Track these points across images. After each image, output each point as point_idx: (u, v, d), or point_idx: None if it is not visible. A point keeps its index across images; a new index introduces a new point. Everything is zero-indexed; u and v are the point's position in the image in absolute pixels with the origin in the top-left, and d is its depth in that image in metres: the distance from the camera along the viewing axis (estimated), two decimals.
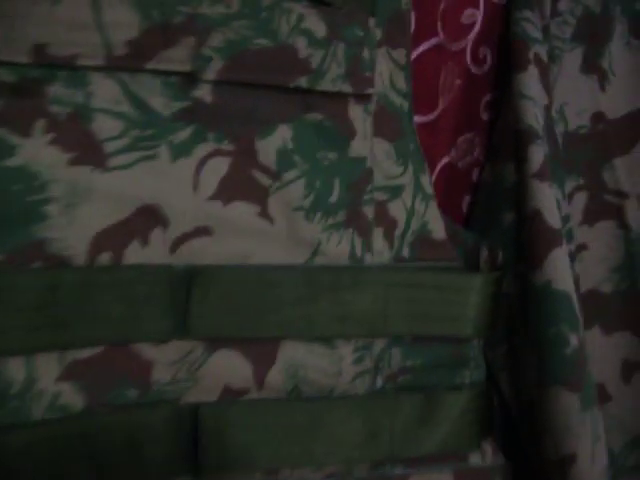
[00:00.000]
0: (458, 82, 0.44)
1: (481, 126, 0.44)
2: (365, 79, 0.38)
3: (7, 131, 0.32)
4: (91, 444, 0.32)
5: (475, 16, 0.44)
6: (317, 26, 0.37)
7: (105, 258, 0.32)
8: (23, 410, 0.31)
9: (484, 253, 0.40)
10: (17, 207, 0.32)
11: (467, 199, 0.43)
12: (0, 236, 0.31)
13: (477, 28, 0.44)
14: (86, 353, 0.32)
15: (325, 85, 0.37)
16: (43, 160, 0.32)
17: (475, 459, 0.39)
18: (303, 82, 0.36)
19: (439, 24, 0.43)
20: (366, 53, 0.38)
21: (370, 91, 0.38)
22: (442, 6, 0.43)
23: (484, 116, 0.44)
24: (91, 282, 0.32)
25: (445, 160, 0.43)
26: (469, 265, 0.40)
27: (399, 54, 0.40)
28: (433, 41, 0.43)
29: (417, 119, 0.41)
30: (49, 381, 0.31)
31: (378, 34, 0.39)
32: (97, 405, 0.32)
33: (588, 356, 0.39)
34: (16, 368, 0.31)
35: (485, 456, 0.40)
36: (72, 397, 0.32)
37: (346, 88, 0.37)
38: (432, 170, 0.42)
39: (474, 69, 0.44)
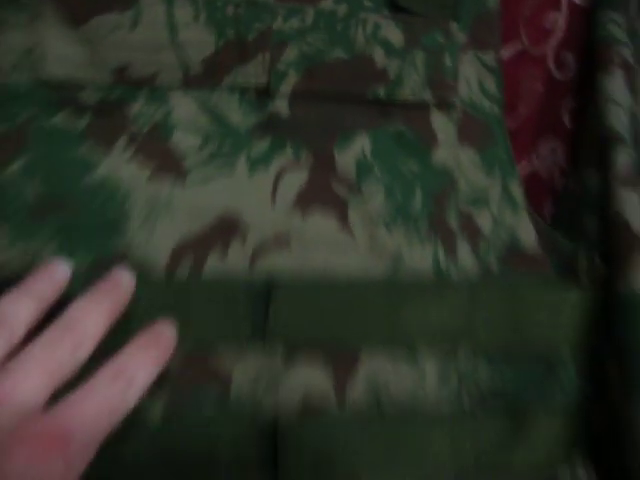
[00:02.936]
0: (540, 88, 0.43)
1: (564, 132, 0.43)
2: (447, 86, 0.37)
3: (90, 148, 0.33)
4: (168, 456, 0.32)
5: (558, 20, 0.43)
6: (394, 35, 0.37)
7: (185, 271, 0.33)
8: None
9: (582, 263, 0.37)
10: (99, 221, 0.33)
11: (549, 206, 0.42)
12: (83, 250, 0.33)
13: (560, 32, 0.43)
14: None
15: (404, 94, 0.37)
16: (124, 176, 0.33)
17: None
18: (381, 92, 0.36)
19: (522, 29, 0.42)
20: (448, 60, 0.37)
21: (453, 99, 0.37)
22: (525, 10, 0.42)
23: (567, 122, 0.43)
24: (170, 296, 0.32)
25: (526, 166, 0.42)
26: (566, 278, 0.37)
27: (488, 56, 0.39)
28: (517, 46, 0.42)
29: None
30: None
31: (462, 38, 0.38)
32: (175, 416, 0.32)
33: None
34: None
35: None
36: (151, 407, 0.31)
37: (427, 97, 0.37)
38: None
39: (557, 74, 0.43)
